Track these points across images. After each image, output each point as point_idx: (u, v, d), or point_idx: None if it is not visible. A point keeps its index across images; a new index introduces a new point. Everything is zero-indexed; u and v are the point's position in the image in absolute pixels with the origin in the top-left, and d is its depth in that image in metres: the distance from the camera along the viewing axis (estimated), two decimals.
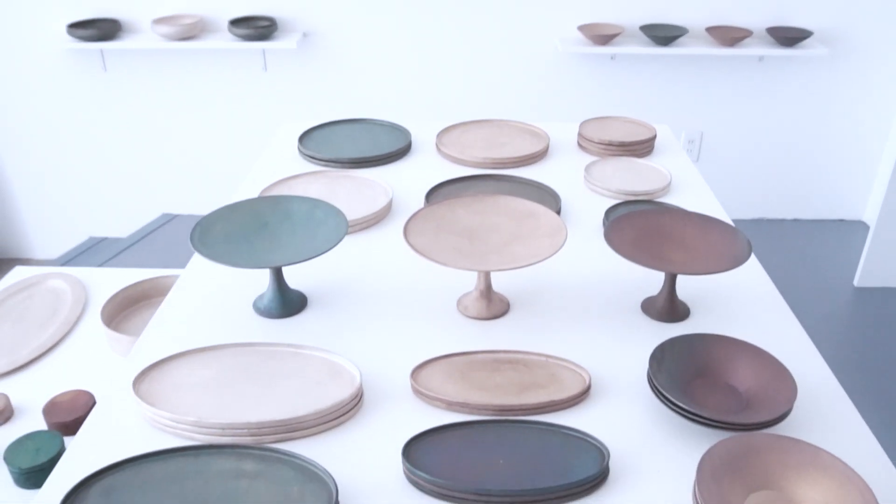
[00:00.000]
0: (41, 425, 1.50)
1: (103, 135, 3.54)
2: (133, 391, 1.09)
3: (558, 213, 1.61)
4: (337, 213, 1.35)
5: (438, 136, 1.98)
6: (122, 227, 3.64)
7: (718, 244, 1.31)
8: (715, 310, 1.34)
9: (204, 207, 1.36)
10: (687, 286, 1.39)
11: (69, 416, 1.48)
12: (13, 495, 1.36)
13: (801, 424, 1.08)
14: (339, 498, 0.96)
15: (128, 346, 1.64)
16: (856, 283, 3.23)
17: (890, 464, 1.02)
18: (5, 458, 1.37)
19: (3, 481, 1.38)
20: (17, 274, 1.98)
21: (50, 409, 1.50)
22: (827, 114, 3.49)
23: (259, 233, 1.33)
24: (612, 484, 0.99)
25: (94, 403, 1.48)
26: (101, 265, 2.86)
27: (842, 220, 3.73)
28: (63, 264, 2.89)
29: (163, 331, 1.28)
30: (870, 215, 3.66)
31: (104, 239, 3.38)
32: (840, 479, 0.92)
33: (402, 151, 1.92)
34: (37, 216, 3.74)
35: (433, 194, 1.69)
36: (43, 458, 1.37)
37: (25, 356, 1.69)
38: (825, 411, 1.11)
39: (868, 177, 3.63)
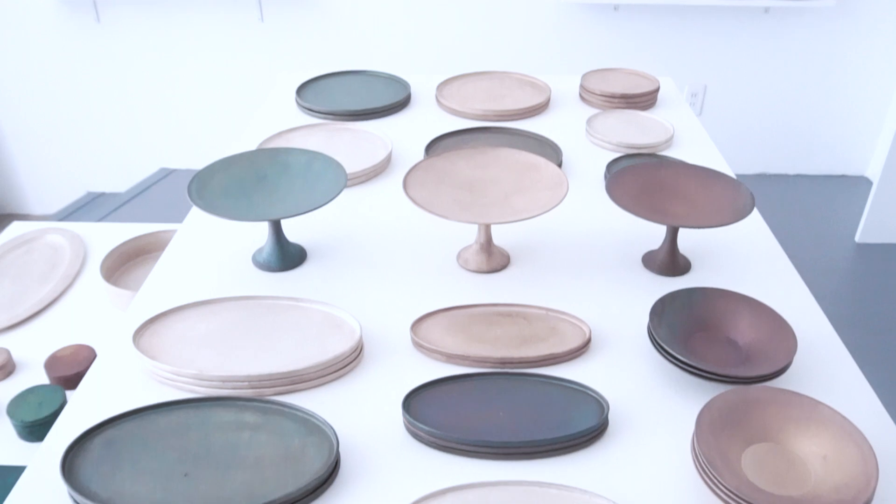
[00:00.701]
0: (43, 380, 1.51)
1: (98, 88, 3.51)
2: (133, 345, 1.10)
3: (559, 165, 1.60)
4: (336, 165, 1.34)
5: (438, 88, 1.97)
6: (119, 182, 3.63)
7: (721, 197, 1.31)
8: (716, 264, 1.34)
9: (202, 162, 1.36)
10: (688, 240, 1.39)
11: (70, 370, 1.49)
12: (16, 448, 1.37)
13: (801, 379, 1.09)
14: (340, 450, 0.97)
15: (127, 300, 1.65)
16: (857, 238, 3.23)
17: (889, 419, 1.03)
18: (8, 412, 1.38)
19: (6, 435, 1.40)
20: (15, 229, 1.98)
21: (51, 364, 1.50)
22: (832, 67, 3.45)
23: (257, 186, 1.33)
24: (612, 436, 1.00)
25: (95, 357, 1.49)
26: (99, 220, 2.86)
27: (845, 176, 3.72)
28: (61, 220, 2.89)
29: (162, 285, 1.28)
30: (873, 171, 3.64)
31: (102, 194, 3.37)
32: (838, 433, 0.93)
33: (402, 104, 1.91)
34: (34, 171, 3.73)
35: (433, 147, 1.68)
36: (45, 412, 1.38)
37: (25, 311, 1.70)
38: (825, 366, 1.12)
39: (873, 132, 3.61)
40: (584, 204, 1.51)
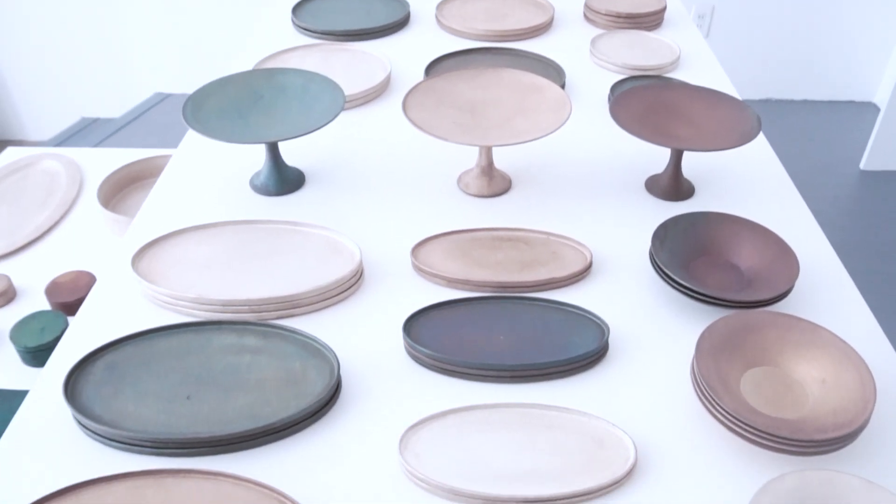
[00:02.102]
0: (44, 306, 1.52)
1: (91, 11, 3.44)
2: (132, 269, 1.10)
3: (563, 87, 1.58)
4: (333, 87, 1.32)
5: (438, 7, 1.92)
6: (114, 107, 3.59)
7: (726, 120, 1.29)
8: (720, 188, 1.33)
9: (197, 86, 1.34)
10: (693, 164, 1.38)
11: (71, 296, 1.49)
12: (19, 373, 1.39)
13: (803, 304, 1.09)
14: (341, 373, 0.97)
15: (125, 226, 1.64)
16: (862, 165, 3.21)
17: (889, 345, 1.03)
18: (11, 338, 1.39)
19: (9, 360, 1.41)
20: (10, 155, 1.96)
21: (52, 290, 1.51)
22: None
23: (253, 107, 1.31)
24: (612, 360, 1.00)
25: (95, 284, 1.49)
26: (94, 146, 2.84)
27: (852, 102, 3.67)
28: (56, 145, 2.86)
29: (159, 210, 1.28)
30: (881, 97, 3.60)
31: (97, 120, 3.34)
32: (838, 357, 0.94)
33: (401, 23, 1.87)
34: (27, 97, 3.69)
35: (433, 68, 1.65)
36: (48, 337, 1.39)
37: (24, 238, 1.70)
38: (827, 291, 1.12)
39: (881, 58, 3.55)
40: (588, 127, 1.49)
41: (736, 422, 0.86)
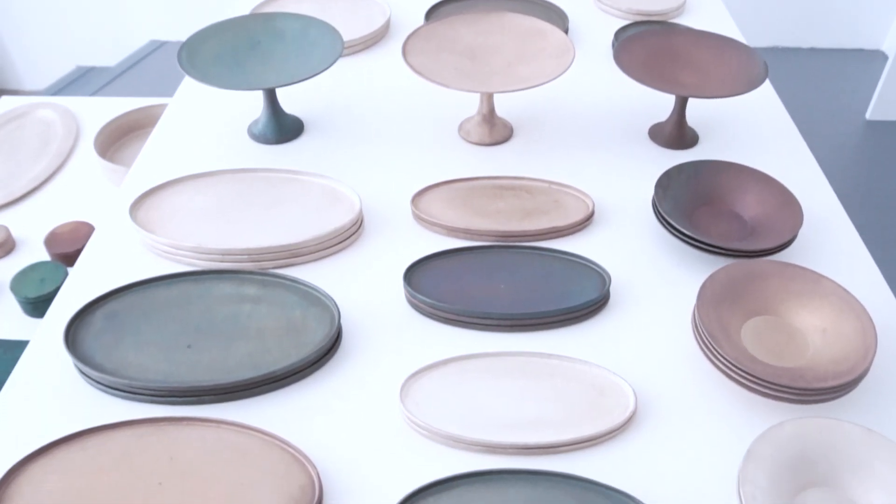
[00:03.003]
0: (43, 256, 1.52)
1: None
2: (131, 218, 1.10)
3: (566, 32, 1.56)
4: (332, 31, 1.31)
5: None
6: (109, 55, 3.55)
7: (733, 67, 1.28)
8: (725, 137, 1.32)
9: (193, 33, 1.32)
10: (697, 112, 1.37)
11: (71, 247, 1.49)
12: (21, 323, 1.40)
13: (806, 253, 1.09)
14: (342, 322, 0.98)
15: (123, 176, 1.64)
16: (868, 115, 3.18)
17: (891, 294, 1.03)
18: (11, 289, 1.40)
19: (10, 310, 1.42)
20: (5, 104, 1.95)
21: (51, 241, 1.51)
22: None
23: (250, 53, 1.30)
24: (613, 309, 1.01)
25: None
26: (90, 95, 2.81)
27: (861, 50, 3.63)
28: (52, 94, 2.84)
29: (157, 158, 1.27)
30: (889, 45, 3.56)
31: (92, 68, 3.31)
32: (840, 306, 0.94)
33: None
34: (21, 46, 3.65)
35: (433, 13, 1.63)
36: (48, 288, 1.39)
37: (21, 188, 1.69)
38: (830, 241, 1.12)
39: (891, 4, 3.50)
40: (591, 73, 1.48)
41: (736, 370, 0.87)
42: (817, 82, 3.39)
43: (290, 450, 0.82)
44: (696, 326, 0.93)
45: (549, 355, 0.92)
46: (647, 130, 1.33)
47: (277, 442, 0.83)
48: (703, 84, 1.26)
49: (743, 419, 0.88)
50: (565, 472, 0.81)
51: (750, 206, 1.12)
